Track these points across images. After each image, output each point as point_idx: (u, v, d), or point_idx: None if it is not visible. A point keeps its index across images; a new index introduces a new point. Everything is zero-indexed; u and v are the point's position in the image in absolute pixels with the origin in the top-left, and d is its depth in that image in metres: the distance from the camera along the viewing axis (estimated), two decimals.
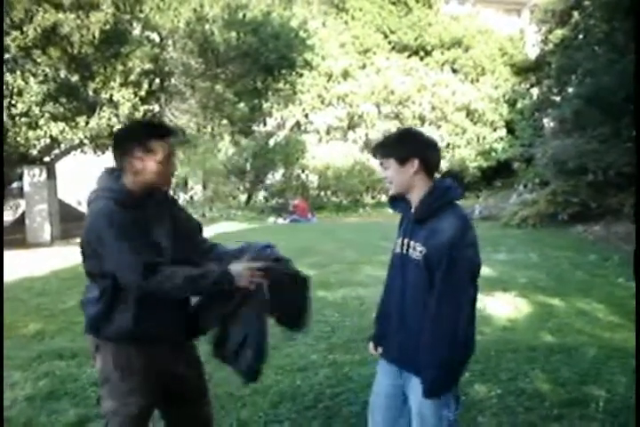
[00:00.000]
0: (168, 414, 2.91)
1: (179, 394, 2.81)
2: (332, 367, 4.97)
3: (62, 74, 13.12)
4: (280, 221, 21.22)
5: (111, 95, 13.07)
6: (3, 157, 13.02)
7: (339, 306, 7.16)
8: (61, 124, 12.72)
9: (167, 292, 2.49)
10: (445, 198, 2.52)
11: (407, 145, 2.55)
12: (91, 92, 13.27)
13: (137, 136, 2.53)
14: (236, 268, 2.54)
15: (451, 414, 2.51)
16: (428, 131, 25.97)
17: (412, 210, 2.58)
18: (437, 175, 2.63)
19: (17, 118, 12.35)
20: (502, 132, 26.52)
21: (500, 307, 7.03)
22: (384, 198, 24.64)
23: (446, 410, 2.50)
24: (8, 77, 12.06)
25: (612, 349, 5.35)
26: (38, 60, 12.43)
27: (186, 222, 2.81)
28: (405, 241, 2.58)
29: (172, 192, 2.84)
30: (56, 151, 16.11)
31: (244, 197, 26.25)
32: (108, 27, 12.53)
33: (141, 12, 13.54)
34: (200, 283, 2.48)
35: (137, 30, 14.27)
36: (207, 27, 14.91)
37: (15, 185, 18.56)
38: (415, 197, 2.55)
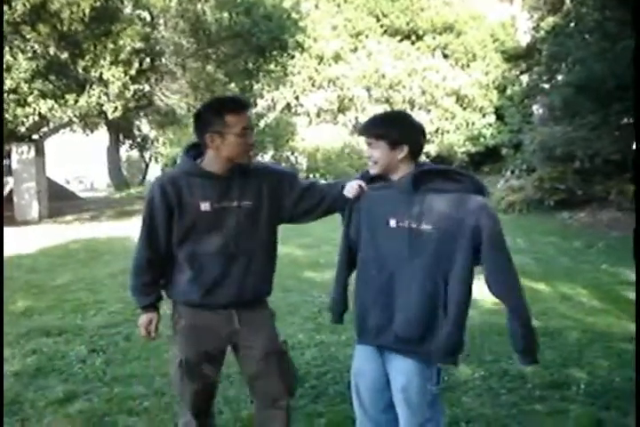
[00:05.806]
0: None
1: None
2: (319, 347, 5.02)
3: (52, 51, 13.01)
4: None
5: (101, 73, 12.98)
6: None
7: (327, 287, 7.16)
8: (50, 102, 12.64)
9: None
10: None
11: (400, 130, 2.53)
12: (80, 70, 13.17)
13: (213, 111, 2.59)
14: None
15: (434, 388, 2.55)
16: (417, 115, 26.02)
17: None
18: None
19: (5, 95, 12.25)
20: (491, 118, 26.59)
21: (485, 290, 7.08)
22: None
23: (429, 384, 2.54)
24: None
25: (595, 333, 5.43)
26: (27, 36, 12.32)
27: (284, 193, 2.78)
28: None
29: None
30: (45, 129, 16.02)
31: None
32: (98, 4, 12.45)
33: None
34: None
35: (128, 8, 14.16)
36: (199, 6, 14.84)
37: (3, 162, 18.43)
38: (396, 178, 2.55)
